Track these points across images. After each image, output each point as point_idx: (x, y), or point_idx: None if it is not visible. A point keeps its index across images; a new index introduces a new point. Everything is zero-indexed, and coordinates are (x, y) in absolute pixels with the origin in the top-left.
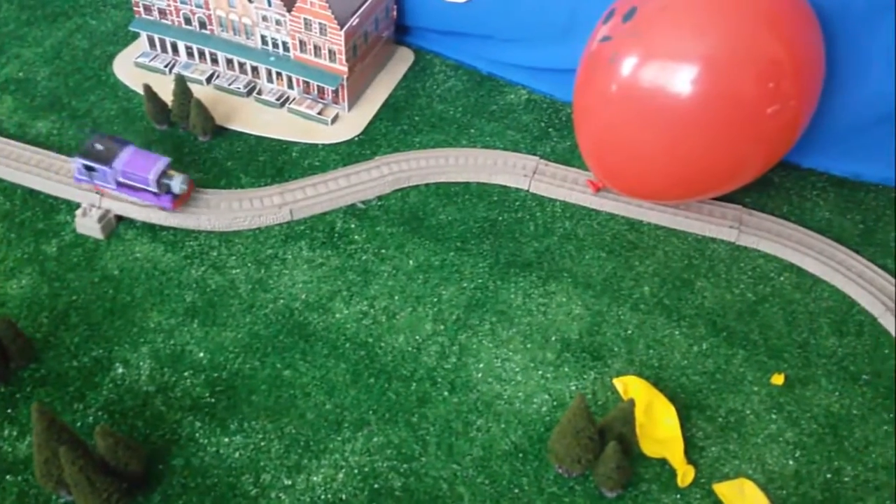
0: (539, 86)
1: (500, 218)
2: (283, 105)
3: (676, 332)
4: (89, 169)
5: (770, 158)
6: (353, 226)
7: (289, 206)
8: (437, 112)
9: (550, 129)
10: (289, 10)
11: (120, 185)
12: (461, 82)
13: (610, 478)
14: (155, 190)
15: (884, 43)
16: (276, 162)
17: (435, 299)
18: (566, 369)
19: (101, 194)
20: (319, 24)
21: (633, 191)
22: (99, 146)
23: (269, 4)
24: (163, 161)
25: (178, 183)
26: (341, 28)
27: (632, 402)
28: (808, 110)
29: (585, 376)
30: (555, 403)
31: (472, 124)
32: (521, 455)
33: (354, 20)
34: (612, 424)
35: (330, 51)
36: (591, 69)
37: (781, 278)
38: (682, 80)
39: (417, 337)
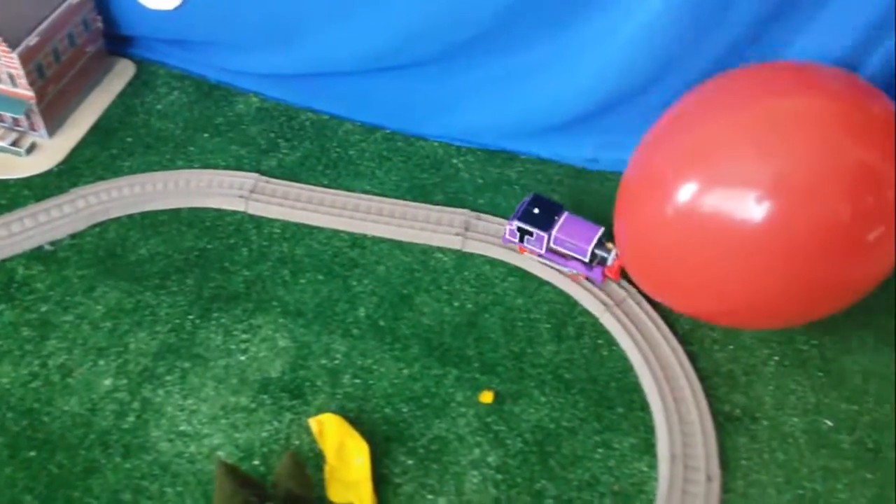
0: (271, 92)
1: (210, 246)
2: None
3: (387, 357)
4: (524, 232)
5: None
6: (36, 272)
7: None
8: (154, 130)
9: (280, 140)
10: None
11: (550, 251)
12: (186, 94)
13: None
14: (587, 260)
15: None
16: None
17: (121, 349)
18: (261, 414)
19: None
20: None
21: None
22: (536, 210)
23: None
24: (598, 230)
25: (612, 255)
26: (13, 49)
27: (292, 456)
28: None
29: (281, 419)
30: (242, 455)
31: (193, 141)
32: None
33: (32, 39)
34: (280, 480)
35: (9, 75)
36: (642, 189)
37: (505, 284)
38: (750, 206)
39: (94, 396)
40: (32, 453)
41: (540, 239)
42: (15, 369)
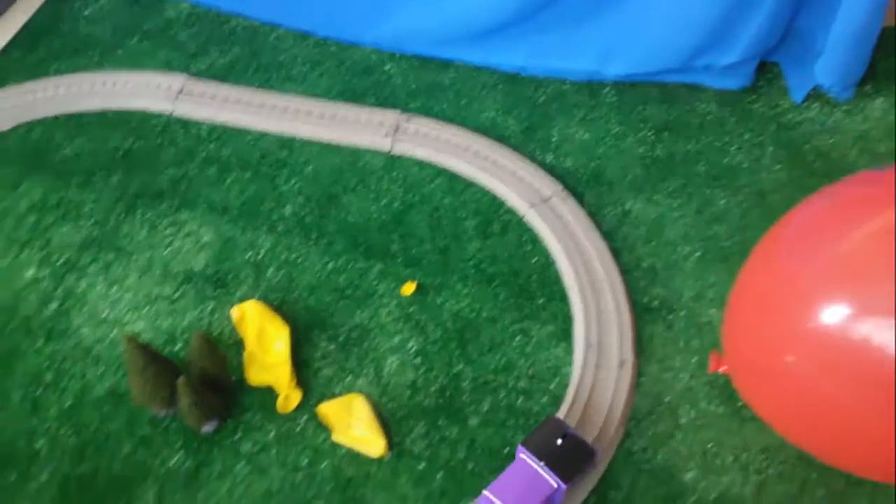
0: None
1: (136, 146)
2: None
3: (312, 251)
4: None
5: None
6: None
7: None
8: (82, 35)
9: (210, 46)
10: None
11: None
12: (115, 0)
13: (190, 414)
14: None
15: None
16: None
17: (44, 242)
18: (184, 303)
19: None
20: None
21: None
22: None
23: None
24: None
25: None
26: None
27: (200, 337)
28: None
29: (204, 307)
30: (164, 339)
31: (122, 45)
32: (116, 399)
33: None
34: (191, 359)
35: None
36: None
37: (433, 185)
38: None
39: (16, 285)
40: None
41: None
42: None
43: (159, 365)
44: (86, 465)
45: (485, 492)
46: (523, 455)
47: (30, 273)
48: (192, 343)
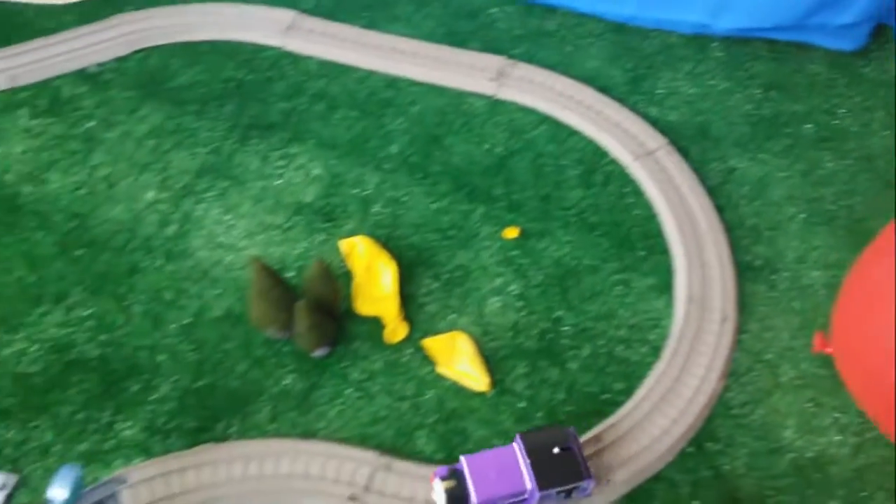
0: None
1: (249, 78)
2: None
3: (417, 190)
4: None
5: None
6: (82, 91)
7: (10, 71)
8: None
9: None
10: None
11: None
12: None
13: (305, 337)
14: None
15: None
16: (7, 25)
17: (163, 166)
18: (295, 232)
19: None
20: None
21: None
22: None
23: None
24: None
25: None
26: None
27: (320, 263)
28: None
29: (314, 238)
30: (276, 267)
31: None
32: (232, 320)
33: None
34: (309, 285)
35: None
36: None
37: (536, 131)
38: None
39: (137, 206)
40: (81, 252)
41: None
42: (63, 177)
43: (281, 289)
44: (204, 379)
45: (462, 457)
46: (516, 445)
47: (150, 195)
48: (312, 269)
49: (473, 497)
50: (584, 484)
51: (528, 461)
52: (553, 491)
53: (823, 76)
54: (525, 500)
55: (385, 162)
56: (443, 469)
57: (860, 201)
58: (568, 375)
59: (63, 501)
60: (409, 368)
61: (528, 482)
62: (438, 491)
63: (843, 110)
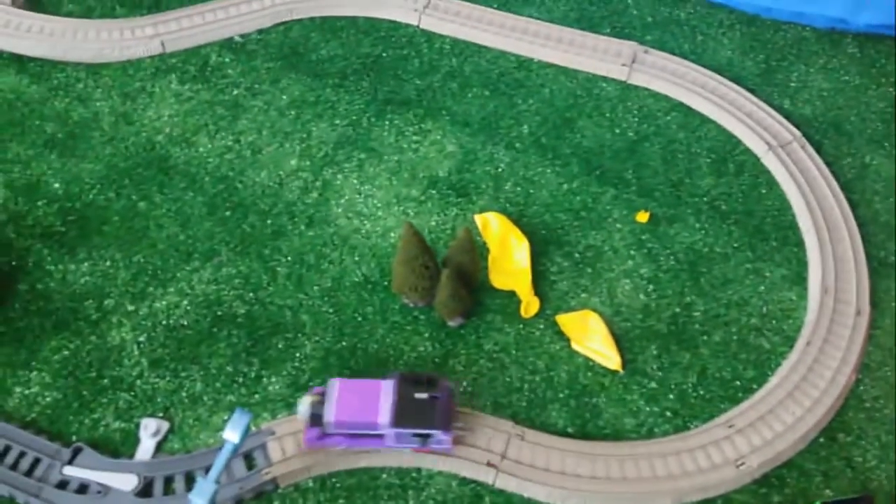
0: None
1: (385, 54)
2: None
3: (548, 171)
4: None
5: None
6: (228, 59)
7: (161, 37)
8: None
9: None
10: None
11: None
12: None
13: (446, 306)
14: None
15: None
16: None
17: (304, 135)
18: (429, 205)
19: None
20: None
21: None
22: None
23: None
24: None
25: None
26: None
27: (467, 232)
28: None
29: (448, 212)
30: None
31: None
32: (370, 286)
33: None
34: (452, 254)
35: None
36: None
37: (668, 118)
38: None
39: (281, 172)
40: (227, 213)
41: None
42: (211, 141)
43: (427, 257)
44: (345, 341)
45: (336, 379)
46: (389, 380)
47: (293, 163)
48: (459, 238)
49: (327, 415)
50: (439, 435)
51: (392, 398)
52: (409, 432)
53: None
54: (381, 434)
55: (517, 141)
56: (320, 388)
57: None
58: (699, 360)
59: (233, 445)
60: (541, 342)
61: (383, 417)
62: (304, 403)
63: None
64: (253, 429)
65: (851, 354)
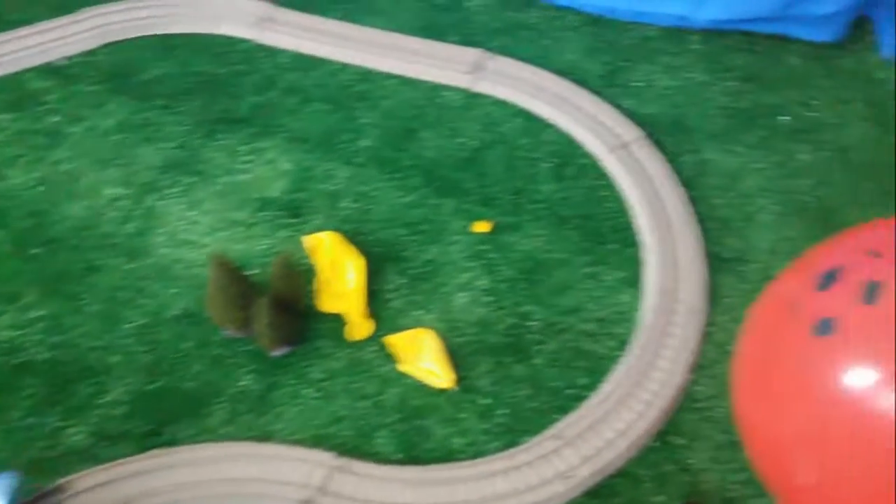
0: None
1: (220, 71)
2: None
3: (388, 185)
4: None
5: None
6: (48, 85)
7: None
8: None
9: None
10: None
11: None
12: None
13: (265, 336)
14: None
15: None
16: None
17: (127, 161)
18: (259, 228)
19: None
20: None
21: None
22: None
23: None
24: None
25: None
26: None
27: (283, 258)
28: None
29: (278, 235)
30: (239, 263)
31: None
32: (190, 319)
33: None
34: (272, 281)
35: None
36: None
37: (511, 124)
38: None
39: (98, 202)
40: (37, 250)
41: None
42: (24, 173)
43: (242, 285)
44: (158, 381)
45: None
46: None
47: (112, 191)
48: (275, 265)
49: None
50: None
51: None
52: None
53: (801, 68)
54: None
55: (356, 156)
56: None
57: (834, 192)
58: (533, 371)
59: None
60: (371, 366)
61: None
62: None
63: (820, 102)
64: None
65: (684, 354)
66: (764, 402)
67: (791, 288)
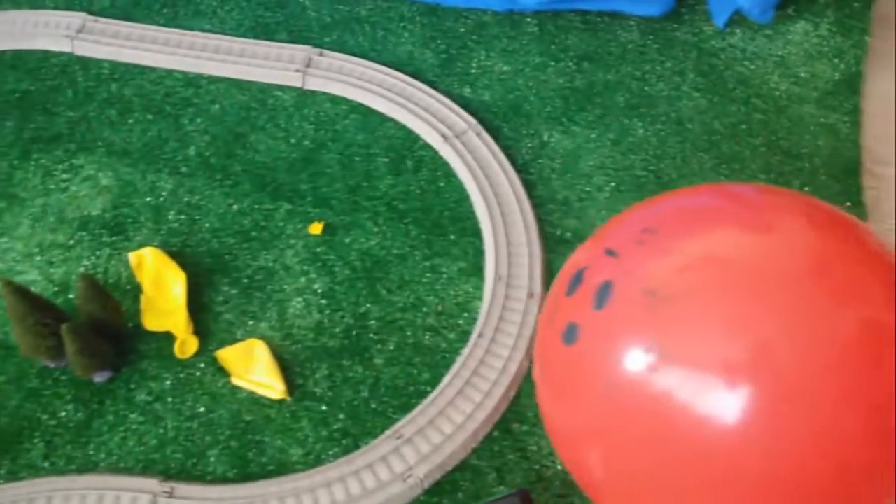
0: None
1: (33, 88)
2: None
3: (217, 193)
4: None
5: None
6: None
7: None
8: None
9: None
10: None
11: None
12: None
13: (78, 363)
14: None
15: None
16: None
17: None
18: (79, 250)
19: None
20: None
21: None
22: None
23: None
24: None
25: None
26: None
27: (86, 279)
28: None
29: (100, 255)
30: (57, 289)
31: None
32: (3, 353)
33: None
34: (80, 305)
35: None
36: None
37: (346, 121)
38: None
39: None
40: None
41: None
42: None
43: (43, 312)
44: None
45: None
46: None
47: None
48: (78, 287)
49: None
50: None
51: None
52: None
53: (636, 43)
54: None
55: (182, 165)
56: None
57: (670, 165)
58: (372, 371)
59: None
60: (202, 384)
61: None
62: None
63: (655, 75)
64: None
65: (522, 340)
66: (555, 401)
67: (552, 293)
